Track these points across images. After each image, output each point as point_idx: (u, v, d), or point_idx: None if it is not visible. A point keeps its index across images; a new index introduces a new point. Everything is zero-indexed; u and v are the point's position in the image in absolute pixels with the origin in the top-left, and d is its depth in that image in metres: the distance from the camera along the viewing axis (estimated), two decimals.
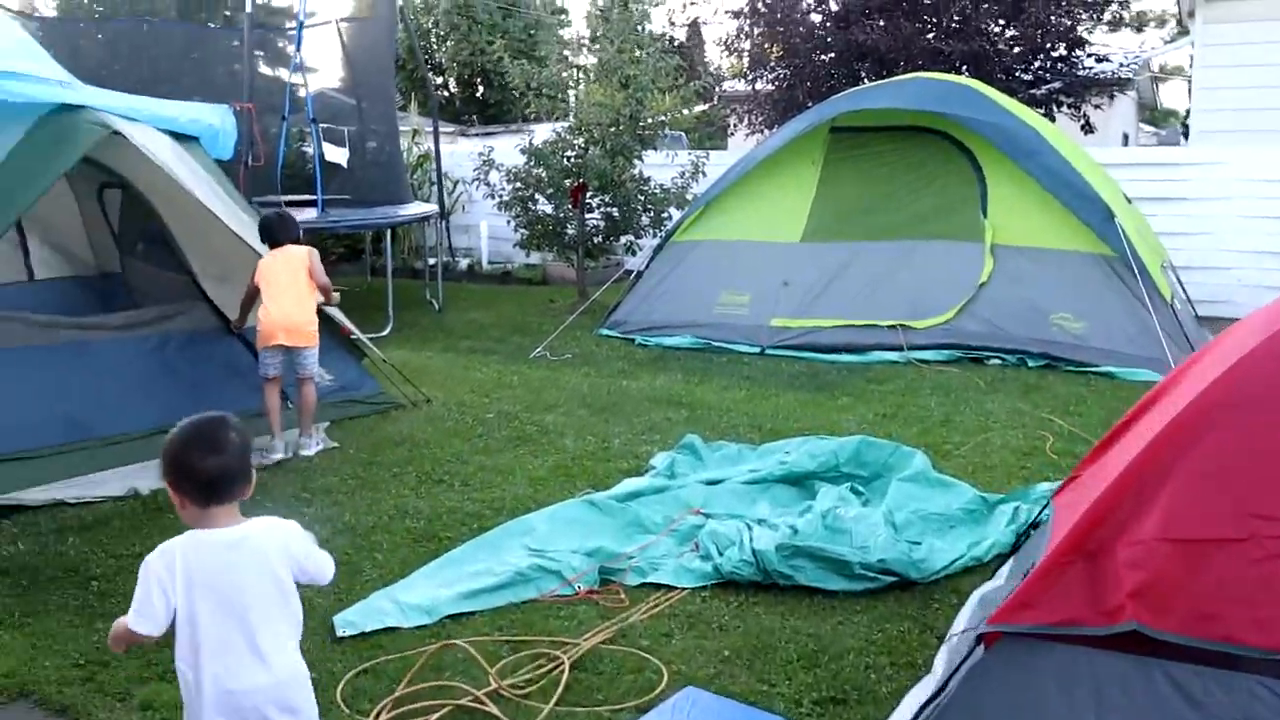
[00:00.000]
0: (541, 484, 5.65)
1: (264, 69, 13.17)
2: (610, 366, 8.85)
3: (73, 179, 8.13)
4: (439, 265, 12.59)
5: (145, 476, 5.64)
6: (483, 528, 4.95)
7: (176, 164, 6.38)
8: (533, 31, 33.00)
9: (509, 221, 11.96)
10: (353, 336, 7.23)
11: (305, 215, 10.31)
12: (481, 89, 33.49)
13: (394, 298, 11.02)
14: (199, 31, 14.43)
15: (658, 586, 4.32)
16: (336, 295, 6.47)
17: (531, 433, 6.70)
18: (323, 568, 2.60)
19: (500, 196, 11.79)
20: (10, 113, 5.71)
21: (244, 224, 6.58)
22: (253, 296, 6.26)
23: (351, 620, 3.92)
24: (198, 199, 6.24)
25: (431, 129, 12.19)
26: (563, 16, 40.43)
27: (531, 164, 11.61)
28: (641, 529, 4.78)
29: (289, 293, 6.18)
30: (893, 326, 9.14)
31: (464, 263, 15.68)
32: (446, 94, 32.88)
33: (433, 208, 12.02)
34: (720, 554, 4.39)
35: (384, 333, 10.55)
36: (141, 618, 2.37)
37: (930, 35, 13.97)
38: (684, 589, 4.28)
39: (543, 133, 12.13)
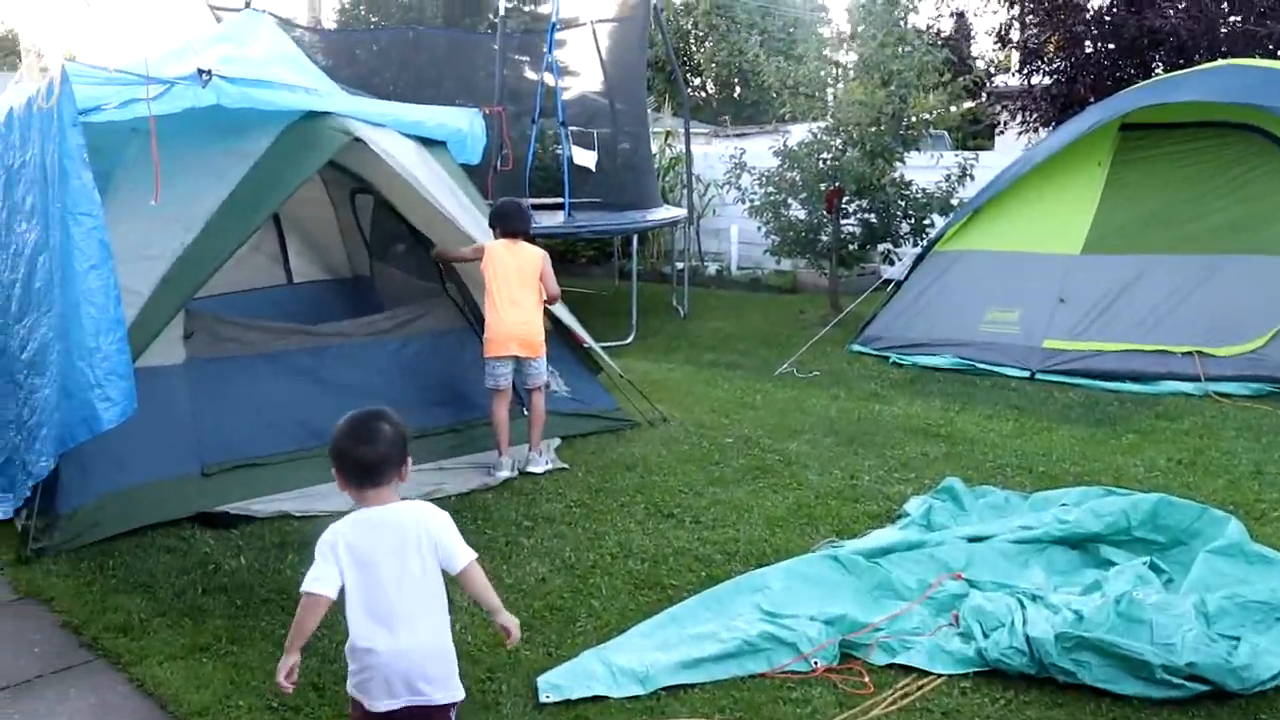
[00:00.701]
0: (780, 526, 5.11)
1: (529, 74, 13.28)
2: (861, 388, 8.19)
3: (328, 185, 8.27)
4: (686, 270, 12.24)
5: None
6: (711, 577, 4.47)
7: (420, 168, 6.26)
8: (792, 29, 32.49)
9: (759, 227, 11.44)
10: (586, 345, 6.92)
11: (552, 219, 10.20)
12: (739, 89, 33.26)
13: (639, 303, 10.74)
14: (462, 37, 14.76)
15: (908, 669, 3.70)
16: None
17: (772, 463, 6.16)
18: (452, 557, 2.80)
19: (751, 200, 11.29)
20: (260, 120, 5.72)
21: (483, 230, 6.39)
22: (462, 260, 6.27)
23: (556, 684, 3.53)
24: (435, 204, 6.08)
25: (708, 132, 11.83)
26: (823, 13, 39.72)
27: (785, 166, 11.05)
28: (892, 593, 4.16)
29: (522, 300, 5.93)
30: (1188, 353, 8.01)
31: (713, 268, 15.31)
32: (704, 95, 32.82)
33: (681, 212, 11.67)
34: (985, 636, 3.72)
35: (627, 341, 10.29)
36: (316, 580, 2.69)
37: (1238, 17, 12.42)
38: (940, 676, 3.64)
39: (799, 133, 11.57)
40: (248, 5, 8.34)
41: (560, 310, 6.64)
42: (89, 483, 4.99)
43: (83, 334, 4.45)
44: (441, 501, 5.45)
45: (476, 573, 2.86)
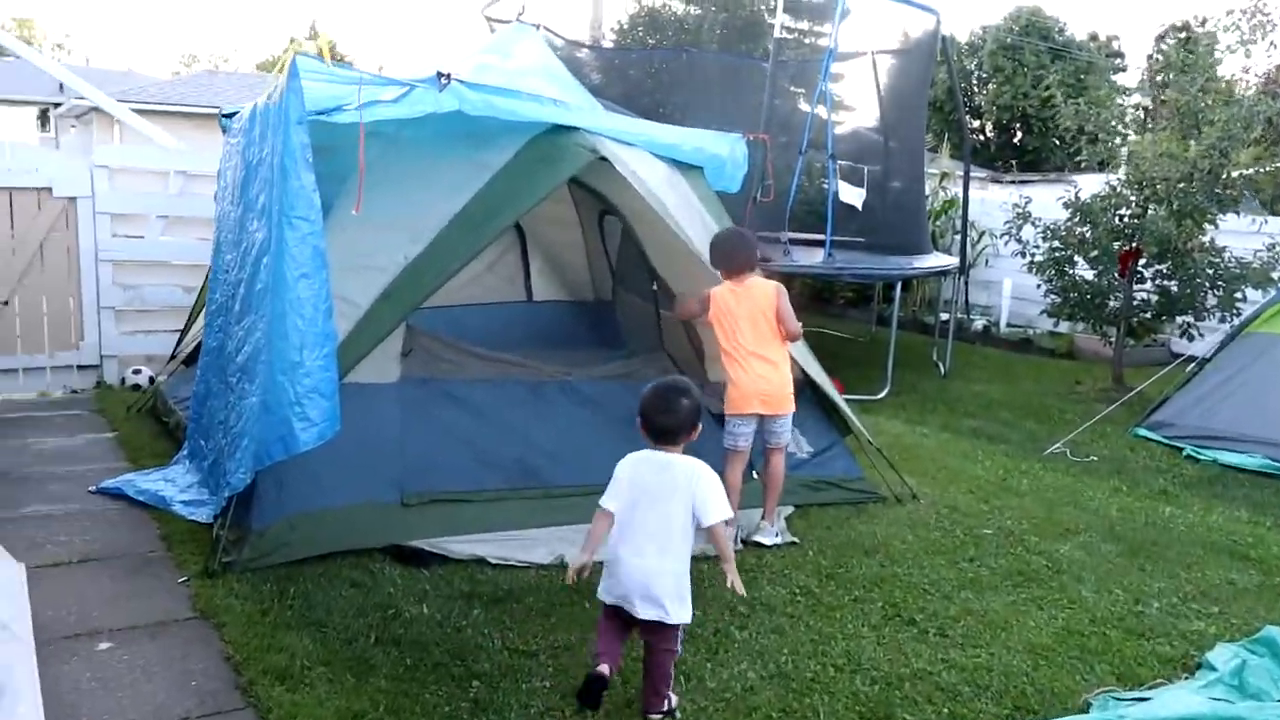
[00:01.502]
0: (1045, 656, 4.19)
1: (803, 105, 12.65)
2: (1149, 483, 7.03)
3: (578, 204, 7.92)
4: (951, 324, 11.22)
5: (578, 542, 4.96)
6: (955, 716, 3.65)
7: (667, 192, 5.74)
8: (1083, 76, 30.51)
9: (1039, 285, 10.30)
10: (834, 402, 6.17)
11: (811, 258, 9.48)
12: (1020, 134, 31.49)
13: (895, 356, 9.85)
14: (736, 62, 14.27)
15: None
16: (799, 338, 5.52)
17: (1038, 568, 5.21)
18: (705, 513, 3.46)
19: (1032, 255, 10.17)
20: (503, 131, 5.34)
21: None
22: (691, 315, 5.57)
23: None
24: (678, 231, 5.52)
25: (962, 174, 10.83)
26: (1118, 60, 37.13)
27: (1075, 220, 9.88)
28: None
29: (764, 349, 5.25)
30: None
31: (979, 322, 14.14)
32: (982, 138, 31.26)
33: (953, 260, 10.69)
34: None
35: (879, 396, 9.45)
36: (610, 499, 3.53)
37: None
38: None
39: (1088, 185, 10.38)
40: (519, 17, 8.10)
41: (804, 356, 5.94)
42: (284, 500, 4.70)
43: (286, 346, 4.13)
44: None
45: (720, 530, 3.52)
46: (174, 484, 5.59)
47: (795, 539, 5.38)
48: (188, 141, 10.73)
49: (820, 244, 9.55)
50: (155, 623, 4.09)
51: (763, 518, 5.41)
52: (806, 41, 20.17)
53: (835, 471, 6.13)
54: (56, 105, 31.15)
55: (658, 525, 3.42)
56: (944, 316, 12.16)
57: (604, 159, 5.33)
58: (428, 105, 4.99)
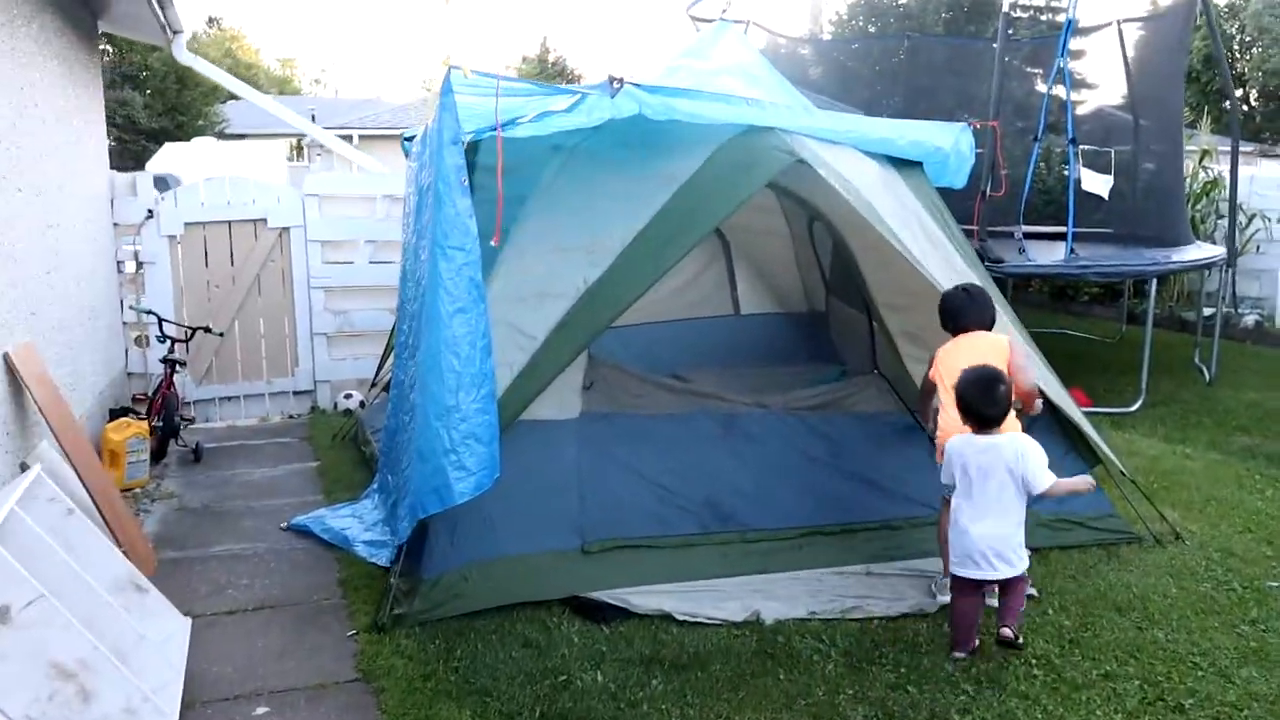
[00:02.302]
0: None
1: (1039, 87, 11.60)
2: None
3: (787, 211, 7.36)
4: (1217, 321, 9.91)
5: (776, 594, 4.45)
6: None
7: (880, 194, 5.10)
8: None
9: None
10: (1080, 424, 5.34)
11: (1051, 255, 8.52)
12: None
13: (1151, 360, 8.74)
14: (964, 45, 13.30)
15: None
16: (1039, 404, 4.58)
17: None
18: (1035, 483, 3.92)
19: None
20: (690, 138, 4.87)
21: (955, 274, 5.09)
22: (929, 394, 4.70)
23: None
24: (890, 239, 4.86)
25: (1230, 151, 9.52)
26: None
27: None
28: None
29: None
30: None
31: (1250, 318, 12.56)
32: (1246, 108, 28.48)
33: (1219, 250, 9.41)
34: None
35: (1132, 408, 8.38)
36: (947, 479, 4.11)
37: None
38: None
39: None
40: (723, 14, 7.63)
41: (1041, 370, 5.13)
42: (457, 548, 4.38)
43: (441, 389, 3.79)
44: (863, 624, 4.28)
45: (1055, 485, 3.95)
46: (360, 521, 5.41)
47: (1033, 591, 4.63)
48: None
49: (1061, 237, 8.56)
50: (315, 685, 3.84)
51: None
52: (1042, 19, 18.78)
53: (1080, 507, 5.29)
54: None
55: (992, 499, 3.92)
56: (1207, 312, 10.81)
57: (803, 161, 4.76)
58: (604, 112, 4.57)
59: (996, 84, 7.94)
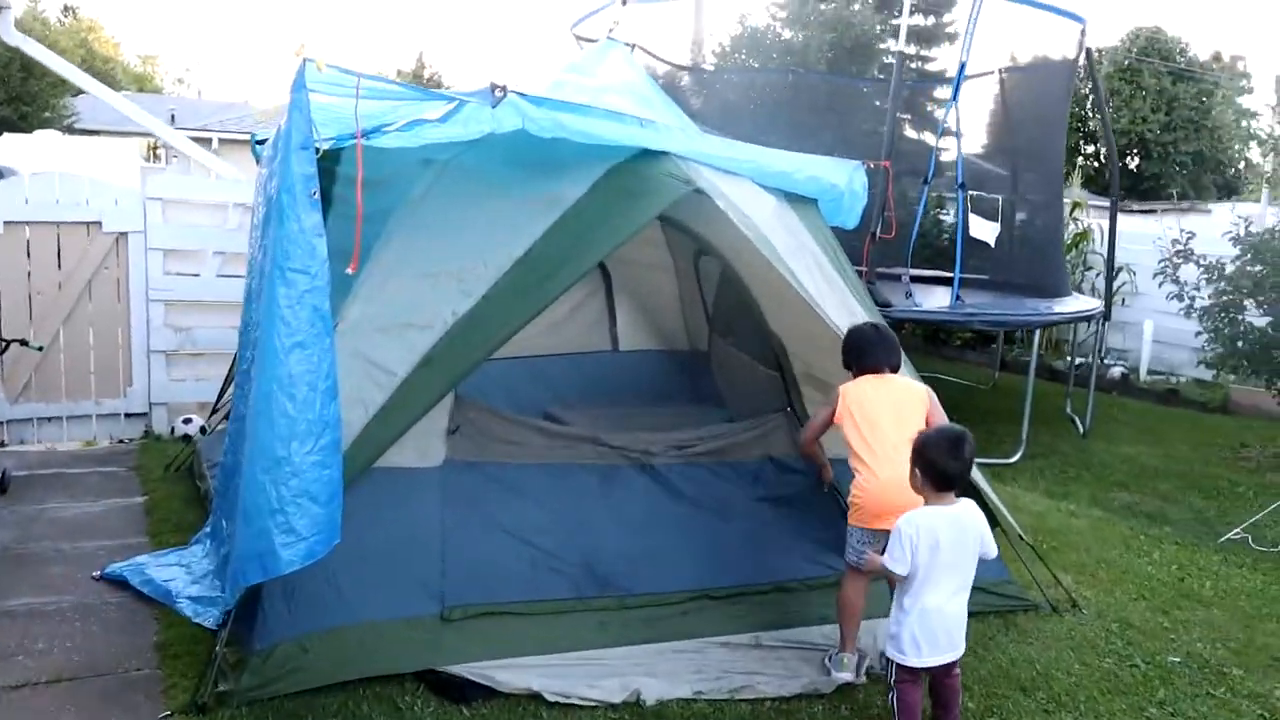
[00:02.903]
0: None
1: (908, 132, 11.53)
2: None
3: (671, 242, 6.96)
4: (1092, 374, 9.92)
5: (658, 671, 3.98)
6: None
7: (779, 231, 4.73)
8: (1204, 99, 28.75)
9: (1202, 334, 8.97)
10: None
11: (935, 301, 8.35)
12: (1137, 160, 29.78)
13: (1030, 410, 8.64)
14: (846, 84, 13.23)
15: None
16: None
17: None
18: (990, 547, 3.62)
19: (1191, 298, 8.84)
20: (577, 159, 4.41)
21: (851, 317, 4.74)
22: (822, 429, 4.33)
23: None
24: (789, 279, 4.48)
25: (1109, 205, 9.55)
26: (1245, 82, 35.00)
27: (1246, 258, 8.54)
28: None
29: (907, 453, 4.17)
30: None
31: (1116, 369, 12.74)
32: (1096, 165, 29.62)
33: (1097, 303, 9.42)
34: None
35: (1013, 459, 8.25)
36: (896, 561, 3.49)
37: None
38: None
39: (1223, 214, 9.04)
40: (610, 34, 7.21)
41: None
42: (295, 614, 3.80)
43: (271, 437, 3.20)
44: (754, 706, 3.84)
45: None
46: (188, 572, 4.74)
47: None
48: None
49: (942, 283, 8.40)
50: None
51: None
52: (913, 66, 19.01)
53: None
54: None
55: (962, 573, 3.54)
56: (1076, 362, 10.87)
57: (700, 191, 4.34)
58: (483, 124, 4.08)
59: (890, 124, 7.73)
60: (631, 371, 7.36)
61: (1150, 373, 12.74)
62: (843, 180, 5.69)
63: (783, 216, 5.00)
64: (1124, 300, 13.47)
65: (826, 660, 4.19)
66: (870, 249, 7.53)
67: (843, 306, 4.80)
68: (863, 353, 4.25)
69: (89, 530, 5.56)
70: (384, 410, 3.87)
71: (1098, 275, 12.44)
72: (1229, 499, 7.53)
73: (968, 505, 3.58)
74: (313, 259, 3.26)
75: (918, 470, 3.54)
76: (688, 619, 4.34)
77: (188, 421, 7.72)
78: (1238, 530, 6.62)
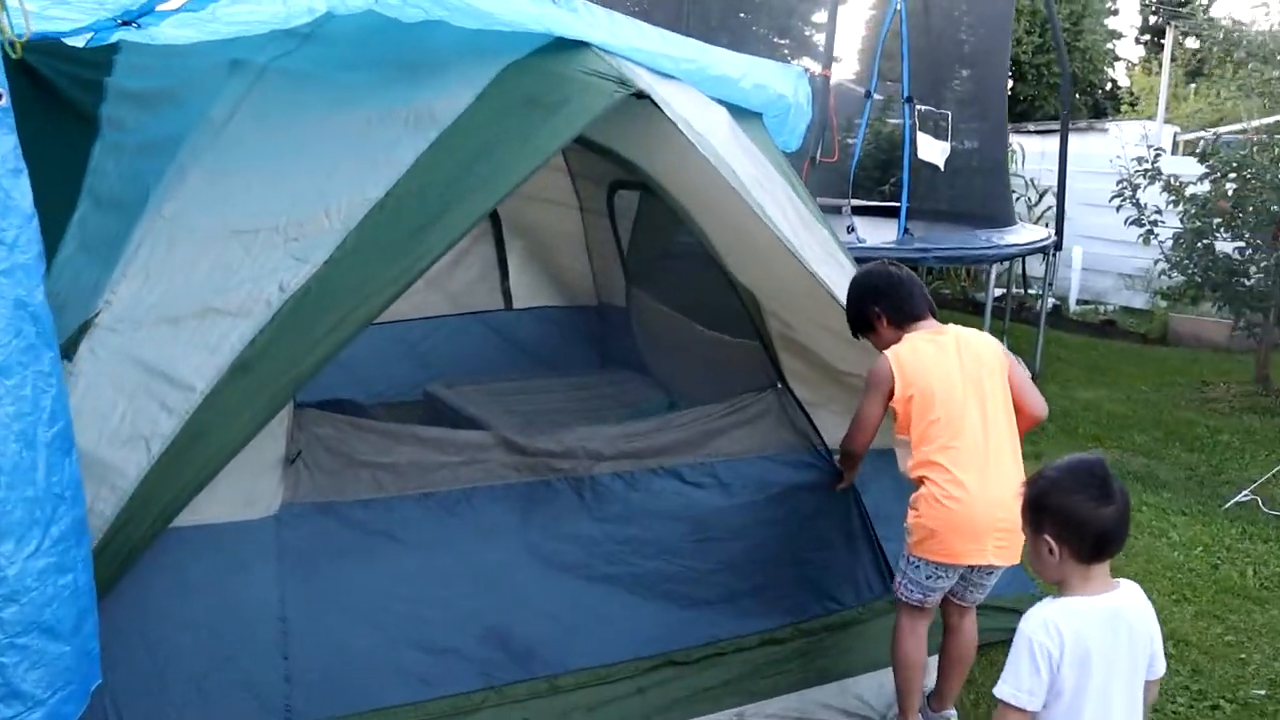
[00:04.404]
0: None
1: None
2: None
3: (574, 169, 5.61)
4: (1043, 310, 8.97)
5: None
6: None
7: (737, 154, 3.45)
8: (1078, 21, 28.55)
9: (1158, 262, 8.04)
10: None
11: (881, 236, 7.19)
12: (1011, 83, 29.50)
13: None
14: None
15: None
16: None
17: None
18: (1160, 662, 2.24)
19: (1151, 224, 7.86)
20: (465, 50, 3.06)
21: (841, 269, 3.53)
22: (879, 420, 3.12)
23: None
24: (762, 216, 3.23)
25: (1059, 127, 8.50)
26: (1110, 3, 35.11)
27: (1215, 176, 7.57)
28: None
29: (1002, 451, 2.97)
30: None
31: (1048, 301, 11.90)
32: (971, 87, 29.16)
33: (1046, 233, 8.43)
34: None
35: None
36: (1023, 692, 2.13)
37: None
38: None
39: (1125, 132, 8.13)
40: None
41: None
42: None
43: None
44: None
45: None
46: None
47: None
48: None
49: (890, 214, 7.26)
50: None
51: (936, 705, 3.23)
52: None
53: (1001, 588, 3.85)
54: None
55: (1123, 702, 2.16)
56: (998, 293, 9.94)
57: (641, 96, 3.02)
58: (317, 1, 2.71)
59: (830, 24, 6.42)
60: (529, 334, 6.04)
61: (1079, 302, 11.97)
62: (789, 90, 4.43)
63: (739, 137, 3.73)
64: (1046, 224, 12.64)
65: None
66: (809, 173, 6.31)
67: (826, 254, 3.58)
68: (897, 296, 3.12)
69: None
70: (177, 445, 2.49)
71: (1018, 199, 11.53)
72: (1215, 450, 6.64)
73: (1129, 591, 2.23)
74: (7, 220, 1.85)
75: (1047, 537, 2.16)
76: (645, 698, 3.11)
77: None
78: (1246, 492, 5.70)
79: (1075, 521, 2.14)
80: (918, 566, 2.98)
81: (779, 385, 3.67)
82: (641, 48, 3.40)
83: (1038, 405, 3.12)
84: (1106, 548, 2.17)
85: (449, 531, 3.11)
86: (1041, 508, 2.19)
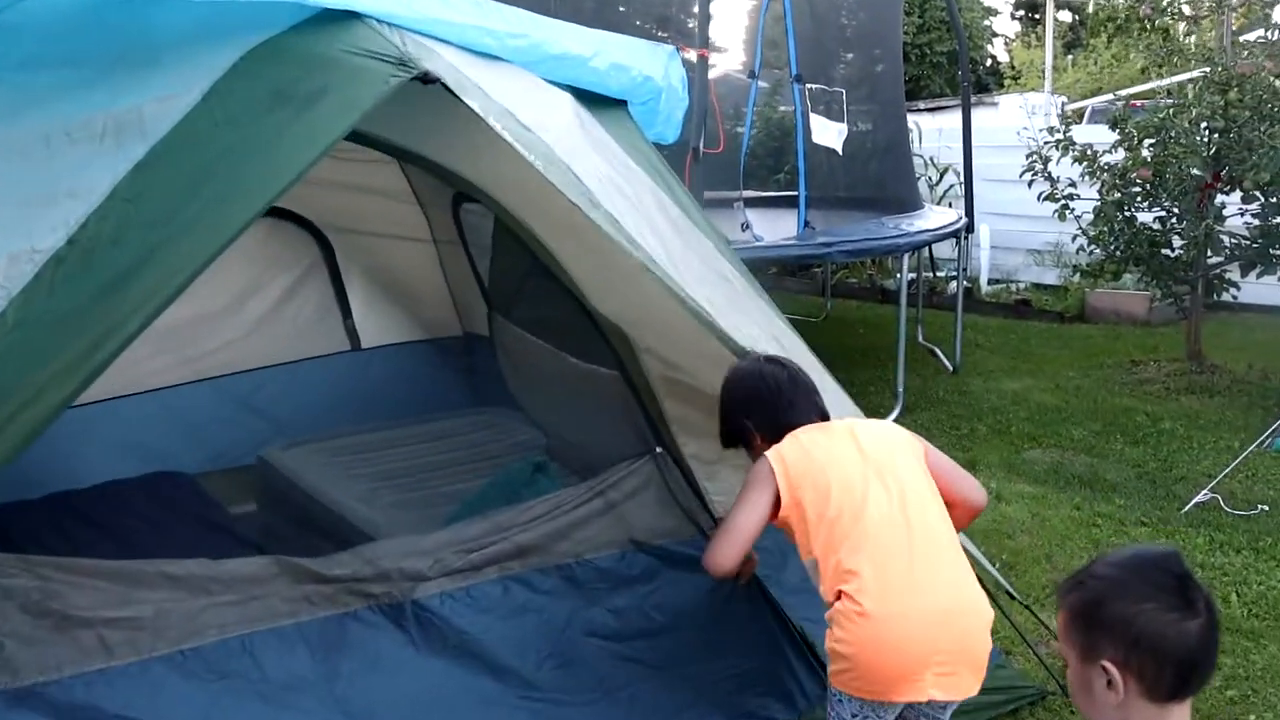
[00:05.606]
0: None
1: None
2: None
3: (416, 185, 4.77)
4: (959, 296, 8.36)
5: None
6: None
7: (586, 154, 2.65)
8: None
9: (1076, 238, 7.48)
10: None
11: (780, 230, 6.43)
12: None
13: (885, 347, 6.98)
14: None
15: None
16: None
17: None
18: None
19: (1065, 198, 7.26)
20: (185, 32, 2.22)
21: (728, 285, 2.77)
22: (756, 531, 2.34)
23: None
24: (615, 233, 2.43)
25: (954, 103, 7.90)
26: None
27: (1132, 143, 6.99)
28: None
29: (939, 538, 2.25)
30: None
31: (953, 282, 11.36)
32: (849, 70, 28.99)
33: (956, 215, 7.81)
34: None
35: (890, 418, 6.51)
36: None
37: None
38: None
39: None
40: None
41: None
42: None
43: None
44: None
45: None
46: None
47: None
48: None
49: (788, 205, 6.53)
50: None
51: None
52: None
53: None
54: None
55: None
56: (910, 279, 9.33)
57: (430, 80, 2.19)
58: None
59: (703, 6, 5.63)
60: (383, 376, 5.16)
61: (990, 282, 11.46)
62: (657, 72, 3.65)
63: (589, 126, 2.94)
64: (950, 205, 12.11)
65: None
66: (691, 167, 5.53)
67: (708, 271, 2.81)
68: (774, 408, 2.42)
69: None
70: None
71: (919, 179, 10.98)
72: (1160, 441, 6.06)
73: None
74: None
75: (1107, 664, 1.48)
76: None
77: None
78: (1205, 492, 5.08)
79: (1149, 641, 1.48)
80: (842, 702, 2.21)
81: (657, 450, 2.87)
82: (447, 19, 2.58)
83: (973, 493, 2.42)
84: (1192, 679, 1.51)
85: (222, 698, 2.24)
86: (1095, 622, 1.51)
